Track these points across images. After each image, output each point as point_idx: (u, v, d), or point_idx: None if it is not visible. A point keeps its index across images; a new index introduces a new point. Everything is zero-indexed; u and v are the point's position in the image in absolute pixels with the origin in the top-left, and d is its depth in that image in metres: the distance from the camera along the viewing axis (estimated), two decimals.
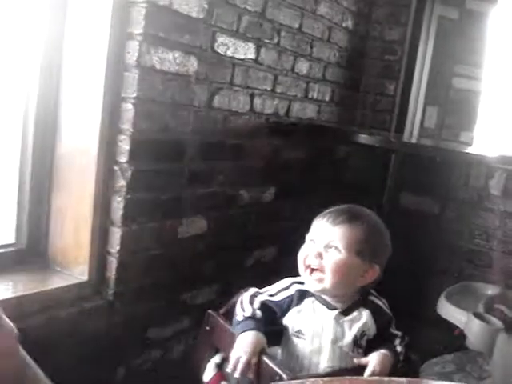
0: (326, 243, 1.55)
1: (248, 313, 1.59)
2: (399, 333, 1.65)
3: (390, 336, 1.63)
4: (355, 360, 1.56)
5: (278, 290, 1.65)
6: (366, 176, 2.77)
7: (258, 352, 1.49)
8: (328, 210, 1.62)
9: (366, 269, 1.57)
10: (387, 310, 1.65)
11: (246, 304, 1.62)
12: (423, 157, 2.74)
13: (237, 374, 1.49)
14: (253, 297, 1.64)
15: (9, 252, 1.82)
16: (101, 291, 1.86)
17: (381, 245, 1.61)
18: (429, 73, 3.01)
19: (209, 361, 1.74)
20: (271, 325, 1.61)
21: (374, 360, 1.53)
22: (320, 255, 1.55)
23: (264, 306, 1.61)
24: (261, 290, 1.67)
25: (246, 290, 1.77)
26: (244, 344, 1.51)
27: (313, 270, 1.56)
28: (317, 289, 1.57)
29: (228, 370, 1.54)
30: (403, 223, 2.63)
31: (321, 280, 1.55)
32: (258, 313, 1.59)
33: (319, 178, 2.67)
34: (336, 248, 1.54)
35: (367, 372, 1.51)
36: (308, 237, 1.61)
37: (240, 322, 1.59)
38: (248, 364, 1.48)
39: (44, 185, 1.84)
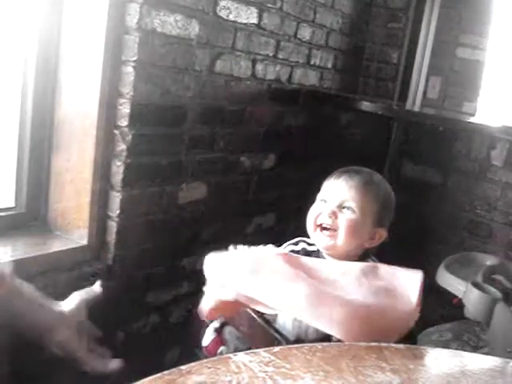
0: (339, 203, 1.55)
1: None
2: None
3: None
4: None
5: (286, 245, 1.67)
6: (367, 144, 2.76)
7: None
8: (340, 170, 1.62)
9: (376, 231, 1.58)
10: None
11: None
12: (425, 126, 2.73)
13: None
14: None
15: (8, 216, 1.82)
16: (100, 255, 1.86)
17: (390, 209, 1.61)
18: (433, 42, 2.99)
19: (208, 325, 1.75)
20: None
21: None
22: (334, 214, 1.54)
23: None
24: None
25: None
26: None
27: (324, 228, 1.56)
28: (328, 244, 1.57)
29: None
30: (404, 192, 2.61)
31: (333, 236, 1.55)
32: None
33: (320, 145, 2.66)
34: (350, 208, 1.54)
35: None
36: (319, 197, 1.61)
37: None
38: None
39: (44, 148, 1.83)
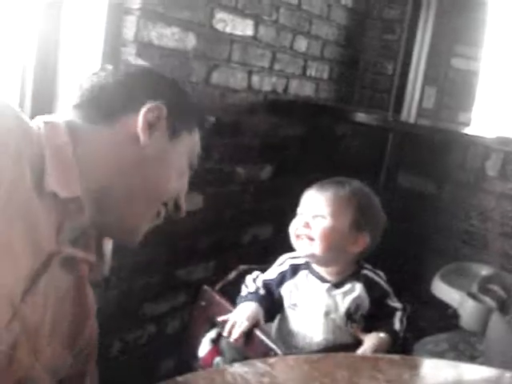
0: (313, 213, 1.59)
1: (252, 289, 1.66)
2: (399, 305, 1.65)
3: (389, 309, 1.63)
4: (352, 330, 1.58)
5: (274, 268, 1.69)
6: (363, 155, 2.77)
7: (252, 320, 1.54)
8: (316, 183, 1.66)
9: (356, 235, 1.60)
10: (382, 284, 1.67)
11: (250, 283, 1.70)
12: (421, 137, 2.74)
13: (224, 333, 1.56)
14: (255, 277, 1.71)
15: None
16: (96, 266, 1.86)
17: (369, 211, 1.63)
18: (428, 53, 2.99)
19: (204, 336, 1.76)
20: (272, 303, 1.64)
21: (369, 342, 1.55)
22: (308, 224, 1.59)
23: (266, 285, 1.68)
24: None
25: (243, 268, 1.80)
26: (240, 311, 1.57)
27: (302, 238, 1.60)
28: (307, 253, 1.60)
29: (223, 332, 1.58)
30: (399, 203, 2.64)
31: (310, 244, 1.58)
32: (262, 290, 1.65)
33: (316, 156, 2.67)
34: (322, 216, 1.57)
35: (359, 352, 1.53)
36: (298, 209, 1.65)
37: (243, 296, 1.66)
38: (238, 328, 1.53)
39: None
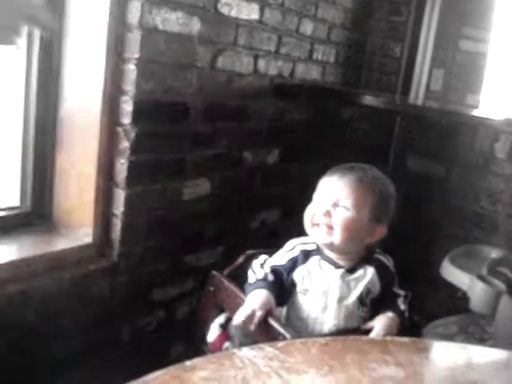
0: (334, 201, 1.56)
1: (260, 275, 1.62)
2: (402, 292, 1.66)
3: (393, 295, 1.64)
4: (362, 326, 1.57)
5: (283, 254, 1.67)
6: (371, 139, 2.76)
7: (265, 308, 1.51)
8: (335, 168, 1.62)
9: (374, 227, 1.58)
10: (391, 268, 1.66)
11: (257, 268, 1.65)
12: (429, 119, 2.72)
13: (236, 323, 1.53)
14: (262, 262, 1.67)
15: (14, 215, 1.83)
16: (105, 253, 1.87)
17: (388, 204, 1.61)
18: (435, 35, 2.97)
19: (213, 321, 1.76)
20: (281, 289, 1.62)
21: (379, 324, 1.55)
22: (328, 213, 1.56)
23: (274, 270, 1.64)
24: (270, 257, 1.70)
25: (250, 252, 1.79)
26: (252, 300, 1.53)
27: (325, 225, 1.57)
28: (325, 242, 1.58)
29: (233, 322, 1.57)
30: (408, 186, 2.62)
31: (330, 234, 1.55)
32: (270, 276, 1.61)
33: (324, 140, 2.65)
34: (345, 207, 1.54)
35: (372, 334, 1.53)
36: (315, 195, 1.61)
37: (252, 284, 1.61)
38: (252, 316, 1.50)
39: (47, 147, 1.83)
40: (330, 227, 1.55)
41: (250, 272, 1.66)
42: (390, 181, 1.66)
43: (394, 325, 1.55)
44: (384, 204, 1.59)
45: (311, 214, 1.60)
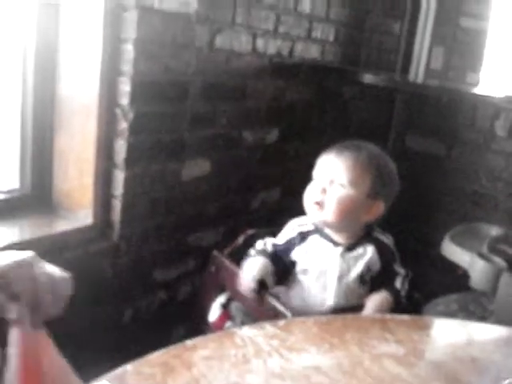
0: (330, 178, 1.56)
1: (259, 248, 1.65)
2: (402, 270, 1.66)
3: (393, 273, 1.65)
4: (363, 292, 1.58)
5: (282, 234, 1.68)
6: (371, 117, 2.75)
7: (261, 271, 1.55)
8: (333, 146, 1.63)
9: (371, 205, 1.58)
10: (392, 247, 1.67)
11: (259, 244, 1.68)
12: (429, 97, 2.71)
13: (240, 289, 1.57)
14: (265, 242, 1.70)
15: (14, 197, 1.82)
16: (106, 234, 1.87)
17: (386, 179, 1.61)
18: (435, 12, 2.95)
19: (214, 301, 1.77)
20: (278, 261, 1.64)
21: (370, 302, 1.55)
22: (324, 190, 1.56)
23: (275, 246, 1.67)
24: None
25: (251, 232, 1.80)
26: (249, 266, 1.58)
27: (317, 203, 1.57)
28: (318, 219, 1.59)
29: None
30: (409, 165, 2.62)
31: (321, 210, 1.56)
32: (269, 248, 1.63)
33: (323, 119, 2.64)
34: (341, 184, 1.54)
35: (362, 314, 1.53)
36: (314, 174, 1.62)
37: (250, 255, 1.65)
38: (251, 282, 1.54)
39: (46, 128, 1.83)
40: (325, 204, 1.56)
41: (251, 250, 1.68)
42: (389, 158, 1.66)
43: (385, 304, 1.56)
44: (381, 181, 1.59)
45: (310, 193, 1.60)
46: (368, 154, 1.59)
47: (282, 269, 1.64)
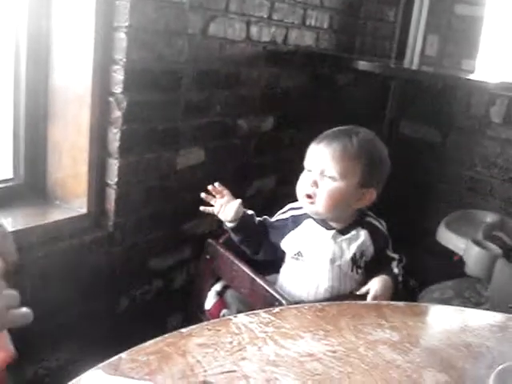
0: (320, 170, 1.56)
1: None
2: (396, 255, 1.67)
3: (387, 259, 1.65)
4: (357, 292, 1.58)
5: (277, 215, 1.69)
6: (366, 104, 2.74)
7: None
8: (322, 135, 1.62)
9: (364, 192, 1.58)
10: (384, 231, 1.67)
11: None
12: (424, 84, 2.71)
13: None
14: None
15: (7, 187, 1.81)
16: (101, 223, 1.87)
17: (377, 166, 1.60)
18: None
19: (210, 289, 1.77)
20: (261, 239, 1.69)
21: (375, 285, 1.56)
22: (315, 183, 1.56)
23: (263, 220, 1.71)
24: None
25: None
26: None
27: (309, 196, 1.58)
28: (311, 210, 1.60)
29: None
30: (403, 152, 2.62)
31: (313, 203, 1.57)
32: (259, 218, 1.70)
33: (318, 106, 2.64)
34: (331, 177, 1.54)
35: (369, 297, 1.54)
36: (305, 164, 1.61)
37: None
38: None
39: (39, 117, 1.81)
40: (316, 196, 1.56)
41: None
42: (381, 143, 1.65)
43: (388, 285, 1.57)
44: (373, 168, 1.58)
45: (301, 185, 1.60)
46: (358, 141, 1.57)
47: (261, 238, 1.69)
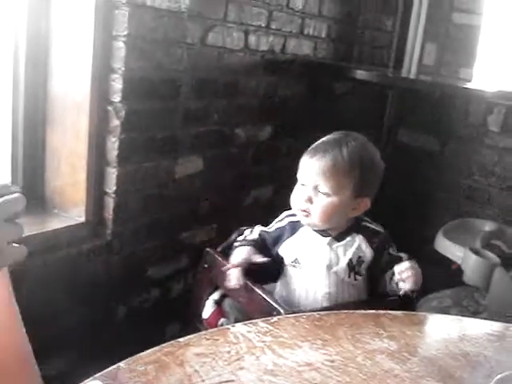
0: (313, 186, 1.56)
1: (246, 236, 1.68)
2: (404, 254, 1.62)
3: (395, 258, 1.60)
4: (401, 292, 1.55)
5: (273, 223, 1.69)
6: (364, 113, 2.75)
7: (245, 260, 1.59)
8: (313, 146, 1.62)
9: (358, 202, 1.59)
10: (382, 232, 1.65)
11: (247, 233, 1.71)
12: (422, 93, 2.71)
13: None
14: (252, 229, 1.72)
15: None
16: (99, 232, 1.86)
17: (370, 175, 1.60)
18: (427, 8, 2.95)
19: (208, 298, 1.77)
20: (264, 247, 1.67)
21: (403, 265, 1.52)
22: (310, 200, 1.57)
23: (261, 235, 1.69)
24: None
25: (244, 229, 1.80)
26: (234, 256, 1.61)
27: (303, 211, 1.58)
28: (307, 222, 1.60)
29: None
30: (401, 160, 2.62)
31: (308, 217, 1.58)
32: (256, 236, 1.67)
33: (316, 115, 2.64)
34: (324, 193, 1.54)
35: (400, 286, 1.51)
36: (298, 177, 1.61)
37: (238, 244, 1.67)
38: (235, 267, 1.58)
39: (38, 124, 1.82)
40: (312, 210, 1.57)
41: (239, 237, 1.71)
42: (372, 147, 1.64)
43: (416, 268, 1.51)
44: (366, 179, 1.58)
45: (295, 199, 1.61)
46: (348, 153, 1.56)
47: (267, 251, 1.67)
